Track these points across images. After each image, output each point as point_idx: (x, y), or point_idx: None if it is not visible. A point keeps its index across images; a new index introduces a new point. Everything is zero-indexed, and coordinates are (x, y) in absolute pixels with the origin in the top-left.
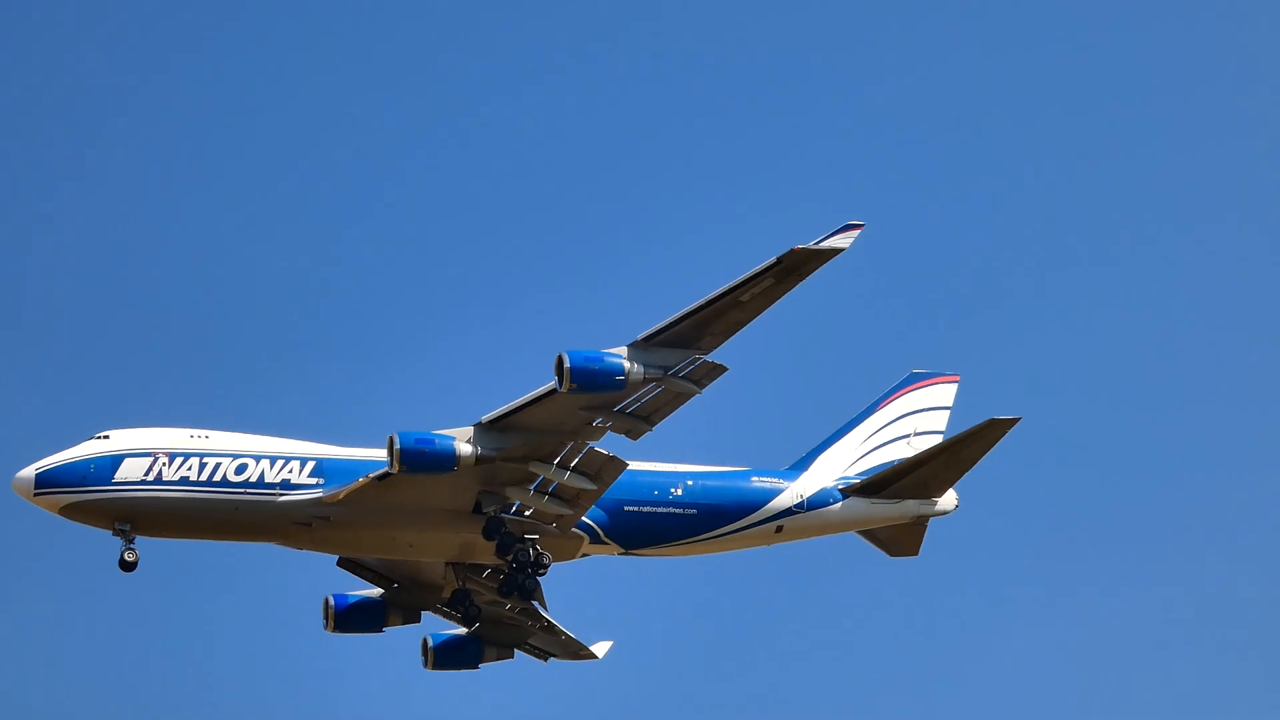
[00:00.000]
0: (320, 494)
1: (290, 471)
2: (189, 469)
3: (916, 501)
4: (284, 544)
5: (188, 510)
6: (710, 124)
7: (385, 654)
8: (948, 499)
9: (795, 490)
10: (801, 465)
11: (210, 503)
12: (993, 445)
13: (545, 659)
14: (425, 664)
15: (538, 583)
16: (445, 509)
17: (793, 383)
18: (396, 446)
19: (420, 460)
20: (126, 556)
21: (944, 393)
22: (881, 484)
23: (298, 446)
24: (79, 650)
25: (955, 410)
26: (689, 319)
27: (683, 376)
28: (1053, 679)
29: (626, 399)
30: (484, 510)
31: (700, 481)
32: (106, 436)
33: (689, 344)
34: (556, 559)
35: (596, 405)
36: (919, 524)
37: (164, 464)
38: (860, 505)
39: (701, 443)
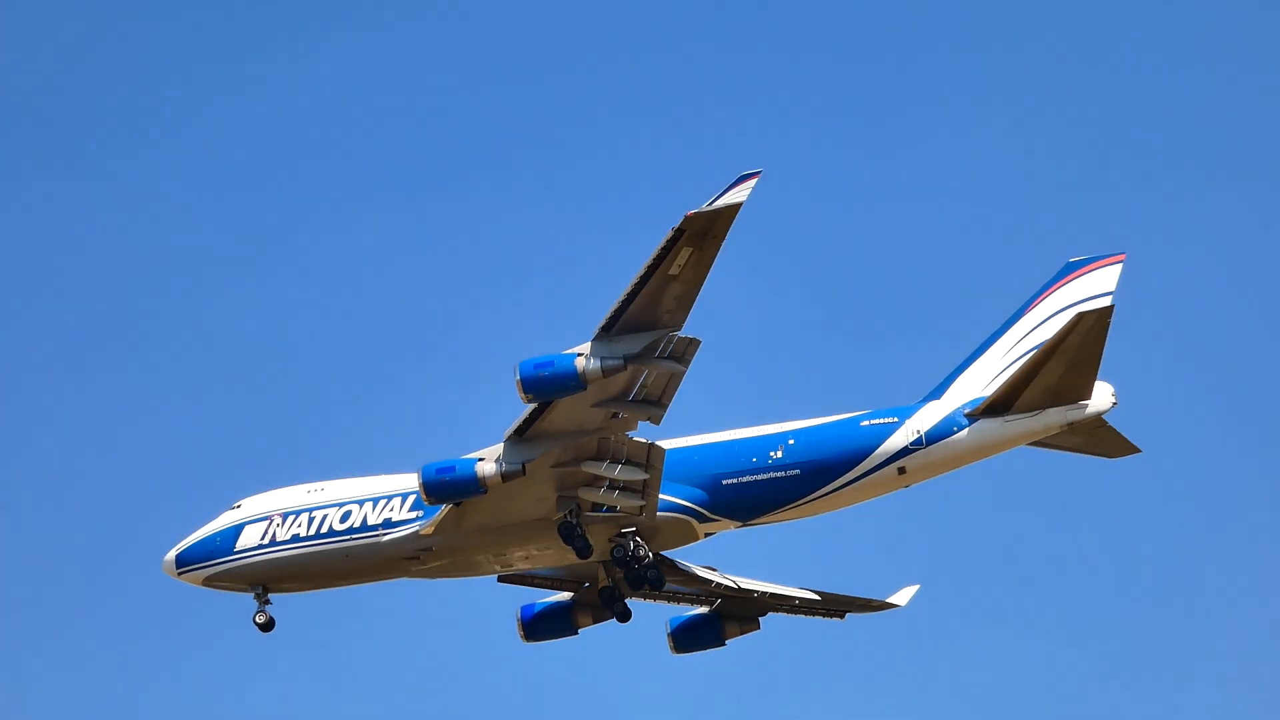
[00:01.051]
0: (416, 527)
1: (391, 510)
2: (299, 526)
3: (1059, 409)
4: (411, 577)
5: (305, 565)
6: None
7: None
8: (1100, 398)
9: (912, 426)
10: (937, 392)
11: (323, 554)
12: (1101, 337)
13: (842, 616)
14: (671, 649)
15: (659, 571)
16: (531, 519)
17: (940, 298)
18: (419, 480)
19: (444, 490)
20: (257, 619)
21: (1105, 278)
22: (1006, 400)
23: (400, 482)
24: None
25: (1119, 295)
26: (631, 304)
27: (667, 357)
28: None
29: (632, 387)
30: (558, 515)
31: (803, 438)
32: (239, 506)
33: (653, 325)
34: (675, 545)
35: (605, 399)
36: (1092, 426)
37: (277, 525)
38: (993, 427)
39: (843, 388)
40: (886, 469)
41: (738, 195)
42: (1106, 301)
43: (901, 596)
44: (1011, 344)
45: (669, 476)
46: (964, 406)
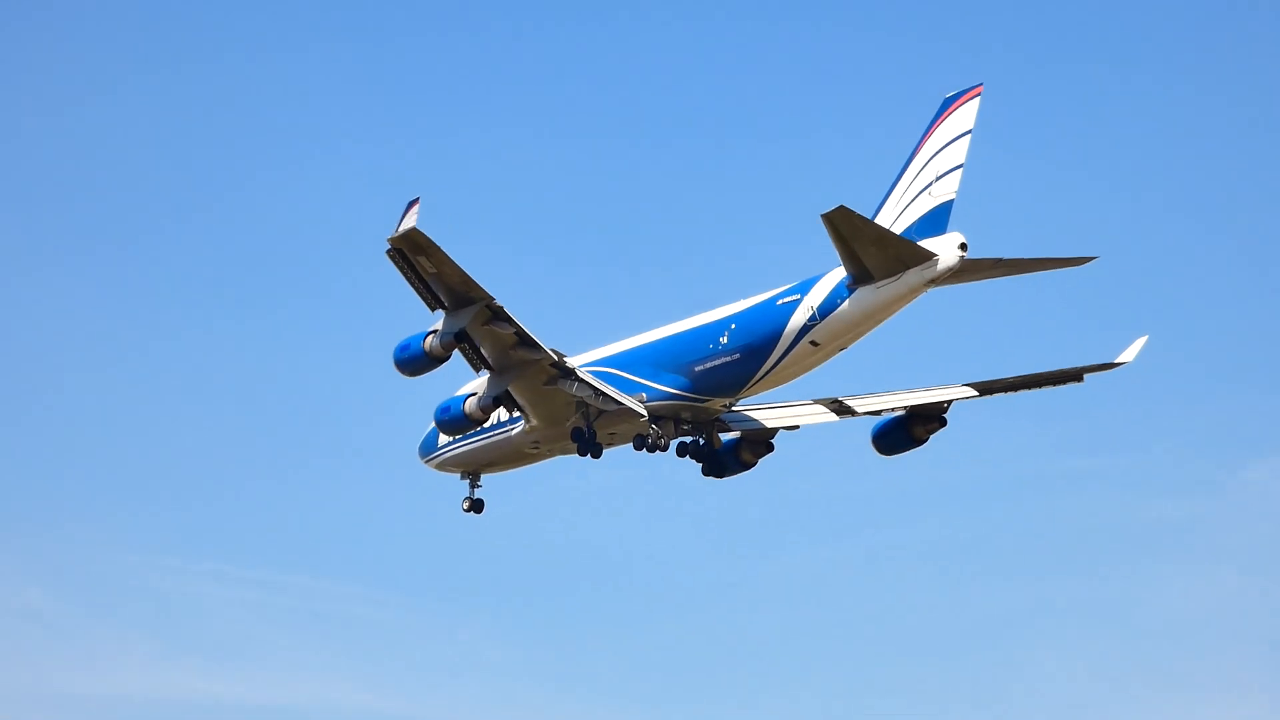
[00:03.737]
0: (524, 426)
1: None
2: None
3: (915, 271)
4: (555, 456)
5: (478, 455)
6: None
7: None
8: (947, 253)
9: (807, 303)
10: None
11: (482, 448)
12: (862, 223)
13: (1080, 379)
14: (878, 452)
15: (699, 443)
16: (572, 420)
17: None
18: (434, 423)
19: (451, 427)
20: (463, 506)
21: (967, 115)
22: (861, 274)
23: None
24: None
25: (977, 131)
26: (428, 296)
27: (497, 319)
28: None
29: (504, 340)
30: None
31: (740, 322)
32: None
33: (469, 301)
34: (711, 417)
35: (505, 347)
36: (974, 269)
37: None
38: (869, 294)
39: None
40: (800, 345)
41: (411, 220)
42: (838, 203)
43: (1129, 353)
44: (902, 194)
45: (660, 367)
46: (847, 278)
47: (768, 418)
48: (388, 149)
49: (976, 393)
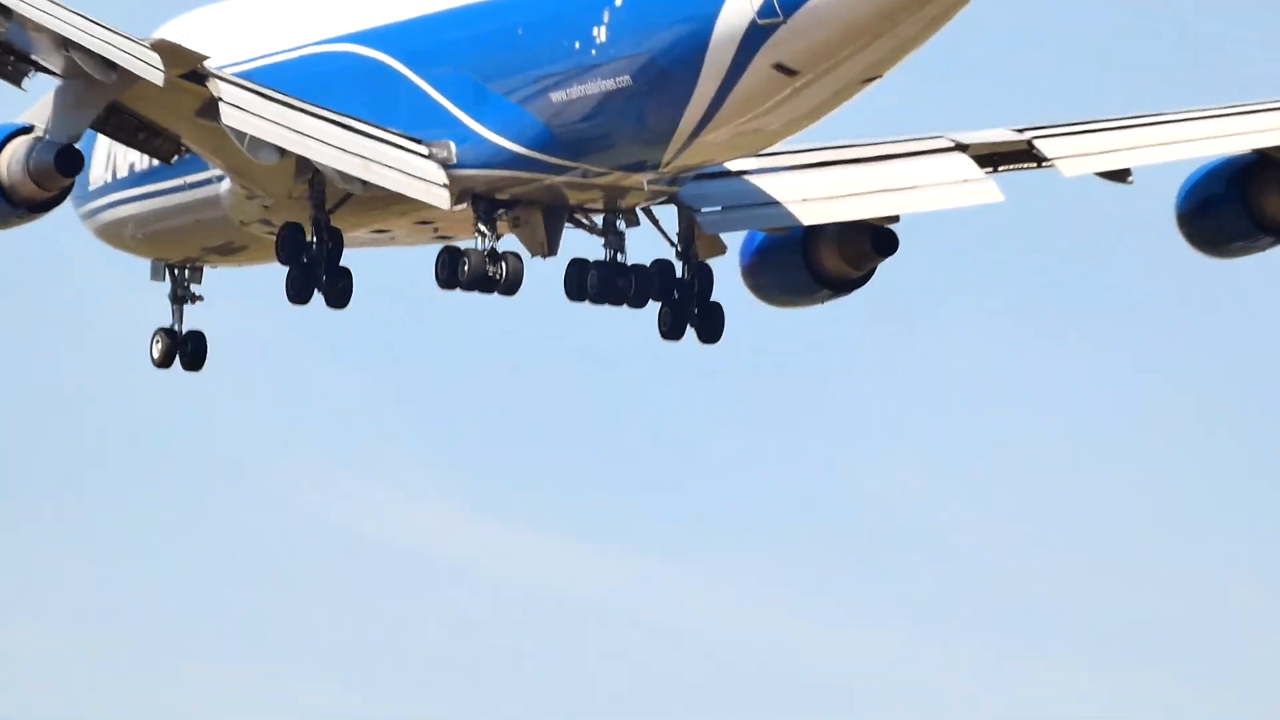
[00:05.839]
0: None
1: None
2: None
3: None
4: None
5: (167, 223)
6: None
7: None
8: None
9: None
10: None
11: (173, 210)
12: None
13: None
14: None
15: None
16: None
17: None
18: None
19: None
20: (153, 350)
21: None
22: None
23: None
24: None
25: None
26: None
27: None
28: None
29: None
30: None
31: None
32: None
33: None
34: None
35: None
36: None
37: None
38: None
39: None
40: (758, 68)
41: None
42: None
43: None
44: None
45: (481, 73)
46: None
47: (806, 192)
48: None
49: None
